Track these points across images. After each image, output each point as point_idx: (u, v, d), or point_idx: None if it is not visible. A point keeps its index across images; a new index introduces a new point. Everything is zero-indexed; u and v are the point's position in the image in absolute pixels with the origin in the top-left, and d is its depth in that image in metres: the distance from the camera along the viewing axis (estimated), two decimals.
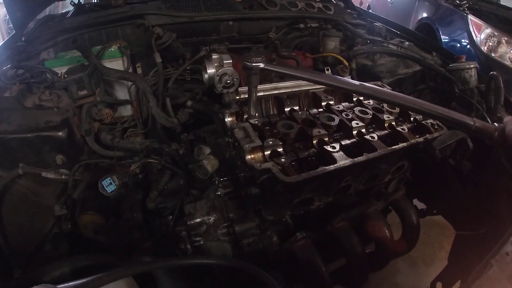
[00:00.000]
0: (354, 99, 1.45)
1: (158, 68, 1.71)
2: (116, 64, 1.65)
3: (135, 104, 1.70)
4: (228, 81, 1.52)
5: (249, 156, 1.07)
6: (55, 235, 1.40)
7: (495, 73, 1.55)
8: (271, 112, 1.41)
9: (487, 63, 3.55)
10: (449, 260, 1.58)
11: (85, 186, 1.48)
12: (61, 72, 1.53)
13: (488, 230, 1.31)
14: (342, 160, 1.08)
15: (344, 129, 1.26)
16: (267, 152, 1.10)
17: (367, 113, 1.32)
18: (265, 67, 1.08)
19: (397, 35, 2.30)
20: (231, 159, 1.24)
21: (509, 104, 1.62)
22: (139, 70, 1.79)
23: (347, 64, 1.84)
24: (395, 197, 1.52)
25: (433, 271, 1.71)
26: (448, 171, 1.50)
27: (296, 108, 1.37)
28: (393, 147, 1.19)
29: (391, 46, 1.98)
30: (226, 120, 1.25)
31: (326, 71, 1.88)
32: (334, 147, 1.13)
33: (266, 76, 1.61)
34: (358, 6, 2.68)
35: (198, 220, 1.28)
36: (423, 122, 1.34)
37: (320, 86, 1.46)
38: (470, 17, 3.80)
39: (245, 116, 1.27)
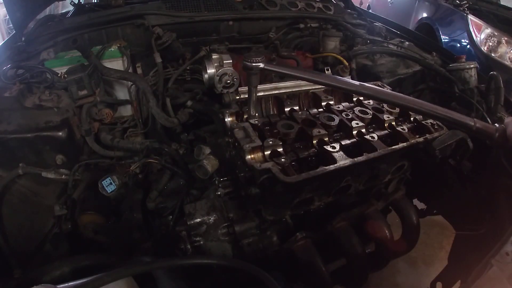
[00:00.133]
0: (354, 99, 1.45)
1: (158, 68, 1.71)
2: (116, 64, 1.65)
3: (135, 104, 1.70)
4: (228, 81, 1.52)
5: (249, 156, 1.07)
6: (55, 235, 1.40)
7: (495, 73, 1.55)
8: (271, 112, 1.41)
9: (487, 63, 3.55)
10: (449, 260, 1.58)
11: (85, 186, 1.48)
12: (61, 72, 1.53)
13: (488, 230, 1.31)
14: (342, 160, 1.08)
15: (344, 129, 1.26)
16: (267, 152, 1.10)
17: (367, 113, 1.32)
18: (265, 67, 1.08)
19: (397, 35, 2.30)
20: (231, 159, 1.24)
21: (509, 104, 1.62)
22: (139, 70, 1.79)
23: (347, 64, 1.84)
24: (395, 197, 1.52)
25: (433, 271, 1.71)
26: (448, 171, 1.50)
27: (296, 108, 1.37)
28: (393, 147, 1.19)
29: (391, 46, 1.98)
30: (226, 120, 1.25)
31: (326, 71, 1.88)
32: (334, 147, 1.13)
33: (266, 76, 1.61)
34: (358, 6, 2.69)
35: (198, 220, 1.28)
36: (423, 122, 1.34)
37: (320, 86, 1.46)
38: (470, 17, 3.81)
39: (245, 116, 1.27)
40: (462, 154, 1.35)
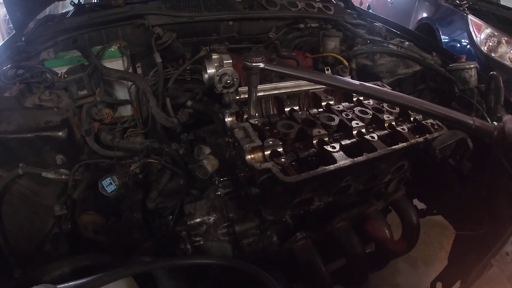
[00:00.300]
0: (354, 99, 1.45)
1: (158, 68, 1.71)
2: (116, 64, 1.65)
3: (135, 104, 1.70)
4: (228, 81, 1.52)
5: (249, 156, 1.07)
6: (55, 235, 1.40)
7: (495, 73, 1.55)
8: (271, 112, 1.41)
9: (487, 63, 3.55)
10: (449, 260, 1.58)
11: (85, 186, 1.48)
12: (61, 72, 1.53)
13: (488, 230, 1.31)
14: (342, 160, 1.08)
15: (344, 129, 1.26)
16: (267, 152, 1.10)
17: (367, 113, 1.32)
18: (265, 67, 1.08)
19: (397, 35, 2.30)
20: (231, 159, 1.24)
21: (509, 104, 1.62)
22: (139, 70, 1.79)
23: (347, 64, 1.84)
24: (395, 197, 1.52)
25: (433, 271, 1.71)
26: (448, 171, 1.50)
27: (296, 108, 1.37)
28: (393, 147, 1.19)
29: (391, 46, 1.98)
30: (226, 120, 1.25)
31: (326, 71, 1.88)
32: (334, 147, 1.13)
33: (266, 76, 1.61)
34: (358, 6, 2.68)
35: (198, 220, 1.28)
36: (423, 122, 1.34)
37: (320, 86, 1.47)
38: (470, 17, 3.80)
39: (245, 116, 1.27)
40: (462, 154, 1.35)
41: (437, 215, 1.73)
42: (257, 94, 1.19)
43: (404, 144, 1.21)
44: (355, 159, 1.10)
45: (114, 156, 1.59)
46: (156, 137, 1.67)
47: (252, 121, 1.21)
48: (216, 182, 1.34)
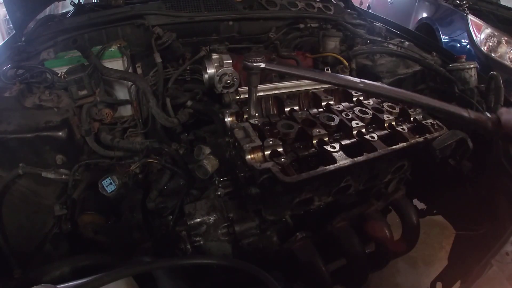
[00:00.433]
0: (354, 99, 1.45)
1: (158, 68, 1.71)
2: (116, 64, 1.65)
3: (135, 104, 1.70)
4: (228, 81, 1.52)
5: (249, 156, 1.07)
6: (55, 235, 1.40)
7: (495, 73, 1.55)
8: (271, 112, 1.41)
9: (487, 63, 3.55)
10: (449, 260, 1.58)
11: (85, 186, 1.48)
12: (61, 72, 1.53)
13: (488, 230, 1.31)
14: (342, 160, 1.08)
15: (344, 129, 1.26)
16: (267, 152, 1.10)
17: (367, 113, 1.32)
18: (266, 66, 1.08)
19: (397, 35, 2.30)
20: (231, 159, 1.24)
21: (509, 104, 1.62)
22: (139, 70, 1.79)
23: (347, 64, 1.84)
24: (395, 197, 1.52)
25: (433, 271, 1.71)
26: (448, 171, 1.50)
27: (296, 108, 1.37)
28: (393, 147, 1.19)
29: (391, 46, 1.98)
30: (226, 120, 1.25)
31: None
32: (334, 147, 1.13)
33: (266, 76, 1.61)
34: (358, 6, 2.68)
35: (198, 220, 1.28)
36: (423, 122, 1.34)
37: (320, 86, 1.47)
38: (470, 17, 3.81)
39: (245, 116, 1.27)
40: (462, 154, 1.35)
41: (437, 215, 1.73)
42: (257, 94, 1.19)
43: (404, 144, 1.21)
44: (355, 159, 1.10)
45: (114, 156, 1.59)
46: (156, 137, 1.67)
47: (252, 121, 1.21)
48: (216, 182, 1.34)
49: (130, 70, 1.68)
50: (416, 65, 1.90)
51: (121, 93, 1.71)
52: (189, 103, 1.65)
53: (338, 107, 1.35)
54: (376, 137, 1.20)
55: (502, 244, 0.94)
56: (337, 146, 1.13)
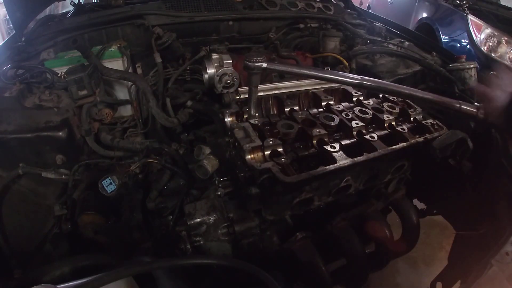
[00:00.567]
0: (354, 99, 1.45)
1: (158, 68, 1.71)
2: (116, 64, 1.65)
3: (135, 104, 1.70)
4: (228, 81, 1.52)
5: (249, 156, 1.07)
6: (55, 235, 1.40)
7: (495, 73, 1.55)
8: (271, 112, 1.41)
9: (487, 63, 3.55)
10: (449, 260, 1.58)
11: (85, 186, 1.48)
12: (61, 72, 1.53)
13: (488, 230, 1.31)
14: (342, 160, 1.08)
15: (344, 129, 1.26)
16: (267, 152, 1.10)
17: (367, 113, 1.32)
18: (268, 66, 1.08)
19: (397, 35, 2.30)
20: (231, 159, 1.24)
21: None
22: (139, 70, 1.79)
23: (347, 64, 1.84)
24: (395, 197, 1.52)
25: (433, 271, 1.71)
26: (448, 171, 1.50)
27: (296, 108, 1.37)
28: (393, 147, 1.19)
29: (391, 46, 1.98)
30: (226, 120, 1.25)
31: None
32: (334, 147, 1.13)
33: (266, 76, 1.61)
34: (358, 6, 2.68)
35: (198, 220, 1.28)
36: (423, 122, 1.34)
37: (320, 86, 1.47)
38: (470, 17, 3.81)
39: (245, 116, 1.27)
40: (462, 154, 1.35)
41: (437, 215, 1.73)
42: (257, 94, 1.19)
43: (404, 144, 1.21)
44: (355, 159, 1.10)
45: (114, 156, 1.59)
46: (156, 137, 1.67)
47: (252, 121, 1.21)
48: (216, 182, 1.34)
49: (130, 70, 1.67)
50: (416, 65, 1.90)
51: (121, 93, 1.71)
52: (189, 103, 1.65)
53: (338, 107, 1.35)
54: (376, 137, 1.20)
55: (502, 244, 0.94)
56: (337, 146, 1.13)
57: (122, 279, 0.77)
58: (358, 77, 1.06)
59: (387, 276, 2.18)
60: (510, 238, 0.94)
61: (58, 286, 0.70)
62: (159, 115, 1.58)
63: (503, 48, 3.59)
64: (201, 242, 1.27)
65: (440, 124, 1.34)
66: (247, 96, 1.20)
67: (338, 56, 1.87)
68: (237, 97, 1.40)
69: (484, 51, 3.62)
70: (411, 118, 1.37)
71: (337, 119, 1.25)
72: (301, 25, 2.12)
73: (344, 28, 2.19)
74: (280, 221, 1.32)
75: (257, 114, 1.23)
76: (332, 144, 1.14)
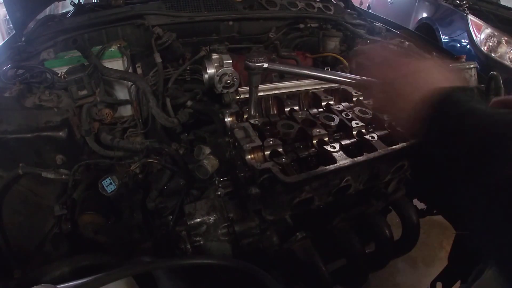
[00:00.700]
0: (354, 99, 1.45)
1: (158, 68, 1.71)
2: (116, 64, 1.65)
3: (135, 104, 1.70)
4: (228, 81, 1.52)
5: (249, 156, 1.07)
6: (55, 235, 1.40)
7: (495, 73, 1.55)
8: (271, 112, 1.41)
9: (487, 63, 3.55)
10: (449, 260, 1.58)
11: (85, 186, 1.48)
12: (61, 72, 1.53)
13: None
14: (342, 160, 1.08)
15: (344, 129, 1.26)
16: (267, 152, 1.10)
17: (367, 113, 1.32)
18: (269, 66, 1.08)
19: (397, 35, 2.30)
20: (231, 159, 1.24)
21: None
22: (139, 70, 1.79)
23: (347, 64, 1.84)
24: (395, 197, 1.52)
25: (433, 271, 1.71)
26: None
27: (296, 108, 1.37)
28: (393, 147, 1.19)
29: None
30: (226, 120, 1.25)
31: None
32: (334, 147, 1.13)
33: (266, 76, 1.61)
34: (358, 6, 2.69)
35: (198, 220, 1.28)
36: None
37: (320, 86, 1.46)
38: (470, 17, 3.81)
39: (245, 116, 1.27)
40: None
41: (437, 215, 1.73)
42: (257, 94, 1.19)
43: (404, 144, 1.21)
44: (355, 159, 1.10)
45: (114, 156, 1.59)
46: (156, 137, 1.67)
47: (252, 121, 1.21)
48: (216, 182, 1.34)
49: (130, 70, 1.68)
50: None
51: (121, 93, 1.71)
52: (189, 103, 1.65)
53: (338, 107, 1.35)
54: (376, 137, 1.20)
55: None
56: (337, 146, 1.13)
57: (122, 279, 0.77)
58: (358, 77, 1.06)
59: (387, 276, 2.18)
60: None
61: (58, 286, 0.70)
62: (159, 115, 1.58)
63: (503, 48, 3.59)
64: (201, 242, 1.27)
65: None
66: (247, 96, 1.20)
67: (338, 56, 1.87)
68: (237, 97, 1.40)
69: (484, 51, 3.62)
70: None
71: (337, 119, 1.25)
72: (301, 25, 2.12)
73: (344, 28, 2.19)
74: (280, 221, 1.32)
75: (257, 114, 1.23)
76: (332, 144, 1.14)
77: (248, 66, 1.08)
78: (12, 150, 1.35)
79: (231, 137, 1.19)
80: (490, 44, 3.62)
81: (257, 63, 1.06)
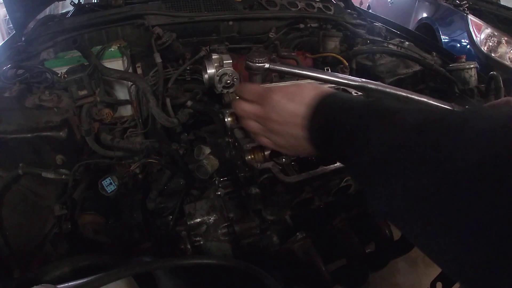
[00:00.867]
0: None
1: (158, 68, 1.71)
2: (116, 64, 1.65)
3: (135, 104, 1.70)
4: (228, 81, 1.52)
5: (249, 156, 1.07)
6: (55, 235, 1.40)
7: (495, 73, 1.55)
8: None
9: (487, 63, 3.56)
10: None
11: (85, 186, 1.48)
12: (61, 72, 1.53)
13: None
14: None
15: None
16: (267, 152, 1.10)
17: None
18: (270, 67, 1.08)
19: (397, 35, 2.30)
20: (231, 159, 1.24)
21: None
22: (139, 70, 1.79)
23: (347, 64, 1.84)
24: None
25: (433, 271, 1.71)
26: None
27: None
28: None
29: (391, 46, 1.98)
30: (226, 120, 1.25)
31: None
32: None
33: (266, 77, 1.61)
34: (358, 6, 2.69)
35: (198, 220, 1.28)
36: None
37: None
38: (470, 17, 3.81)
39: None
40: None
41: None
42: None
43: None
44: None
45: (114, 156, 1.59)
46: (156, 137, 1.67)
47: None
48: (216, 182, 1.34)
49: (130, 70, 1.68)
50: (416, 65, 1.90)
51: (121, 93, 1.71)
52: (189, 103, 1.65)
53: None
54: None
55: None
56: None
57: (122, 279, 0.77)
58: (358, 79, 1.06)
59: (387, 276, 2.18)
60: None
61: (58, 286, 0.70)
62: (159, 115, 1.58)
63: (503, 48, 3.59)
64: (201, 242, 1.27)
65: None
66: None
67: (338, 56, 1.87)
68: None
69: (484, 51, 3.62)
70: None
71: None
72: (301, 25, 2.12)
73: (344, 28, 2.19)
74: (280, 221, 1.32)
75: None
76: None
77: (249, 66, 1.08)
78: (12, 150, 1.35)
79: (231, 137, 1.19)
80: (490, 44, 3.63)
81: (258, 63, 1.06)
